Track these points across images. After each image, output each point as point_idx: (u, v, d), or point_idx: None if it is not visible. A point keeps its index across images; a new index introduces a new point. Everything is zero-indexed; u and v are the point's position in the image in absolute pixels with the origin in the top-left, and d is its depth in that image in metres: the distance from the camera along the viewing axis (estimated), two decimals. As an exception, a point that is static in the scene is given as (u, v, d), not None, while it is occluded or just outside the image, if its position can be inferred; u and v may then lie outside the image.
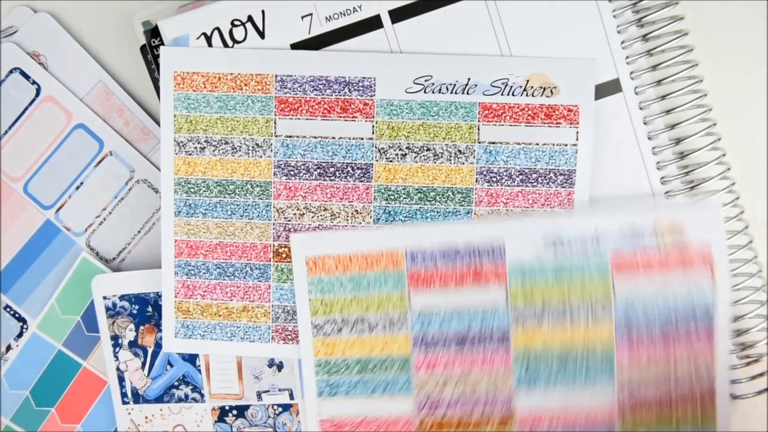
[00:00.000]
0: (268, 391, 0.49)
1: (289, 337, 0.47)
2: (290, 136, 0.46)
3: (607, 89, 0.45)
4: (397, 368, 0.45)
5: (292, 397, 0.49)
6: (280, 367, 0.49)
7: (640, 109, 0.46)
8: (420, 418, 0.46)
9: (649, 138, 0.46)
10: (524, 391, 0.45)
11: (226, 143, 0.46)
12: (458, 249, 0.44)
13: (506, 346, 0.45)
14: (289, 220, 0.46)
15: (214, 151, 0.46)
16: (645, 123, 0.46)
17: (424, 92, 0.45)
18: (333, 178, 0.46)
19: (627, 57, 0.45)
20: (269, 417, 0.49)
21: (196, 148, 0.46)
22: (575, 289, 0.44)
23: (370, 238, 0.45)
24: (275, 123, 0.46)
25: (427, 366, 0.45)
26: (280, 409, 0.49)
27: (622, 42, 0.45)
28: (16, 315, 0.50)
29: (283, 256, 0.47)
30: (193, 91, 0.46)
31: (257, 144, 0.46)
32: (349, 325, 0.45)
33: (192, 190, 0.46)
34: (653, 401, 0.45)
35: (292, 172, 0.46)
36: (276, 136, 0.46)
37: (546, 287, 0.45)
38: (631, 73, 0.45)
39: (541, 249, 0.44)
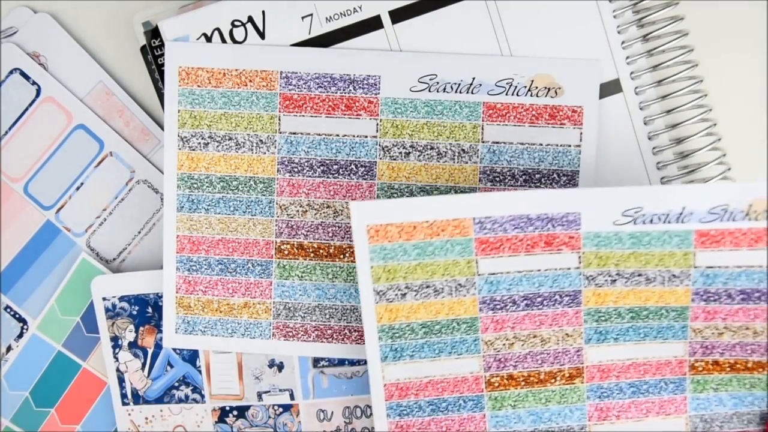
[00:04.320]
0: (269, 391, 0.49)
1: (290, 334, 0.47)
2: (294, 133, 0.46)
3: (607, 89, 0.46)
4: (464, 330, 0.44)
5: (292, 397, 0.49)
6: (280, 367, 0.48)
7: (641, 109, 0.46)
8: (488, 376, 0.44)
9: (649, 138, 0.46)
10: (594, 347, 0.44)
11: (230, 139, 0.46)
12: (530, 217, 0.42)
13: (577, 306, 0.43)
14: (291, 217, 0.46)
15: (217, 146, 0.46)
16: (645, 123, 0.46)
17: (429, 91, 0.45)
18: (336, 175, 0.46)
19: (627, 57, 0.45)
20: (270, 417, 0.49)
21: (199, 143, 0.46)
22: (653, 259, 0.42)
23: (434, 207, 0.42)
24: (279, 120, 0.46)
25: (495, 326, 0.44)
26: (281, 410, 0.49)
27: (623, 42, 0.45)
28: (17, 315, 0.50)
29: (285, 252, 0.47)
30: (198, 86, 0.46)
31: (261, 140, 0.46)
32: (414, 290, 0.43)
33: (195, 185, 0.46)
34: (726, 363, 0.44)
35: (295, 169, 0.46)
36: (280, 132, 0.46)
37: (622, 255, 0.42)
38: (632, 73, 0.46)
39: (621, 222, 0.42)
